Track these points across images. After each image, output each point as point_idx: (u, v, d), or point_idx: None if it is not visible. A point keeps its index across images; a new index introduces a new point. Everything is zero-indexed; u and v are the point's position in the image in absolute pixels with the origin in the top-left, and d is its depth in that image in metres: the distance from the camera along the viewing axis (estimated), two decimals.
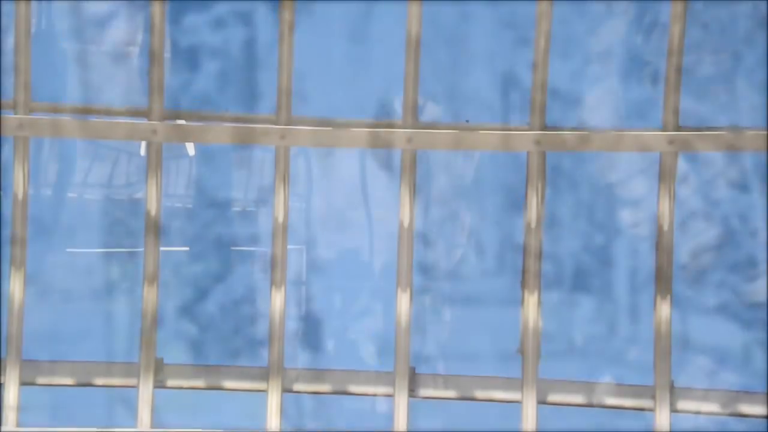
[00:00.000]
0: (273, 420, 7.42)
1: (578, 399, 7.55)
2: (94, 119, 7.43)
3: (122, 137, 7.46)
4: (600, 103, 7.71)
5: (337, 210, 7.97)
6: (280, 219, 7.46)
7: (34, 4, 7.38)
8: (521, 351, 7.47)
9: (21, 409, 7.40)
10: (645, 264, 7.58)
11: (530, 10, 7.32)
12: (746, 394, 7.50)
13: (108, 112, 7.47)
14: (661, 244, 7.43)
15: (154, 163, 7.42)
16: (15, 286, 7.40)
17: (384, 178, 7.81)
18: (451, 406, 7.60)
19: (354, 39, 7.69)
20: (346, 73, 7.70)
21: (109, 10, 7.82)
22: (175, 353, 7.60)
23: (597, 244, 7.76)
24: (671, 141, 7.33)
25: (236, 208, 7.98)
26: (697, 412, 7.51)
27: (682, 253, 7.62)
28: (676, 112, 7.33)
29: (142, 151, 7.67)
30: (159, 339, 7.47)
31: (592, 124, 7.55)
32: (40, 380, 7.50)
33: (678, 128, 7.35)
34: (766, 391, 7.41)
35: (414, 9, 7.26)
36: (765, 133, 7.26)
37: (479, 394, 7.59)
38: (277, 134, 7.41)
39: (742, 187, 7.60)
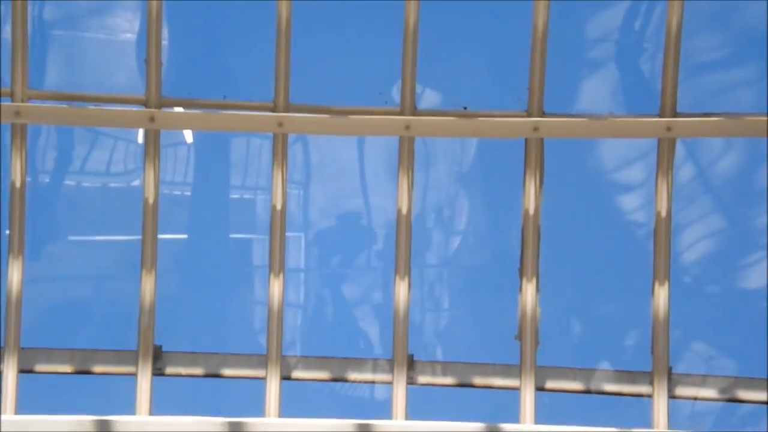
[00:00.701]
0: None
1: (577, 386, 7.57)
2: (92, 107, 7.41)
3: (120, 125, 7.45)
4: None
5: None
6: (278, 206, 7.44)
7: None
8: (519, 337, 7.48)
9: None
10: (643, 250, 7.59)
11: None
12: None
13: (106, 100, 7.45)
14: (659, 231, 7.41)
15: (152, 150, 7.41)
16: (13, 275, 7.39)
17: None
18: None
19: None
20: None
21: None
22: None
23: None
24: (669, 127, 7.32)
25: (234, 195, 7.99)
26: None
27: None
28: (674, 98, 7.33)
29: (140, 139, 7.66)
30: None
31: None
32: (39, 368, 7.52)
33: (676, 114, 7.34)
34: (766, 378, 7.43)
35: None
36: (765, 118, 7.24)
37: (477, 380, 7.60)
38: (275, 122, 7.39)
39: None
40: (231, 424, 7.26)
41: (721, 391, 7.50)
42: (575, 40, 7.76)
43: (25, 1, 7.25)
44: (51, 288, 7.81)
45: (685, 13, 7.21)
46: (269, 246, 7.45)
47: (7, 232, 7.38)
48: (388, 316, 7.54)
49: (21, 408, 7.40)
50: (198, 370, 7.56)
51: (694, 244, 7.82)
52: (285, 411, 7.44)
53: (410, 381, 7.52)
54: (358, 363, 7.61)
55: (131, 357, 7.48)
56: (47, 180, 7.83)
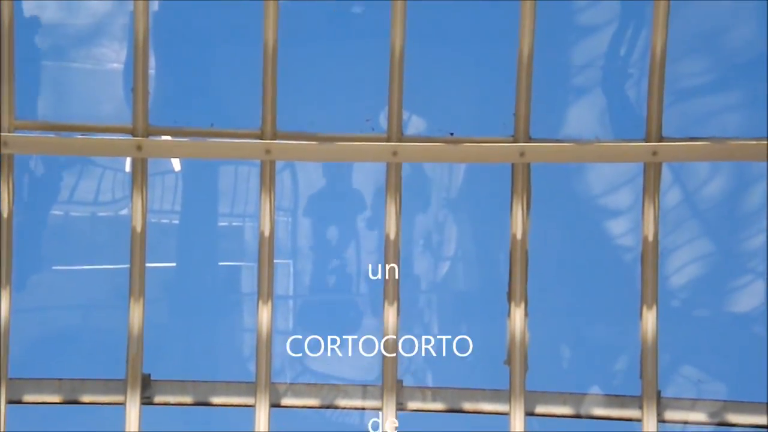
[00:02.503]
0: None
1: (566, 410, 7.56)
2: (79, 136, 7.41)
3: (107, 153, 7.45)
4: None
5: None
6: (266, 233, 7.45)
7: (17, 23, 7.36)
8: (508, 362, 7.47)
9: None
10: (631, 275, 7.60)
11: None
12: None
13: (93, 129, 7.46)
14: (646, 255, 7.42)
15: (140, 178, 7.41)
16: (0, 305, 7.38)
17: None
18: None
19: None
20: None
21: (92, 27, 7.84)
22: None
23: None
24: (655, 152, 7.34)
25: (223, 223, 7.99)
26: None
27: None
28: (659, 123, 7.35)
29: (127, 167, 7.67)
30: None
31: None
32: (27, 398, 7.51)
33: (661, 139, 7.36)
34: (766, 402, 7.43)
35: (397, 22, 7.26)
36: (759, 142, 7.25)
37: (467, 406, 7.59)
38: (263, 149, 7.40)
39: None
40: None
41: (711, 415, 7.49)
42: (561, 66, 7.79)
43: (11, 32, 7.28)
44: (39, 318, 7.81)
45: (670, 39, 7.24)
46: (257, 273, 7.45)
47: None
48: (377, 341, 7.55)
49: None
50: (187, 399, 7.55)
51: (683, 267, 7.83)
52: None
53: (400, 407, 7.52)
54: (347, 390, 7.60)
55: (120, 386, 7.47)
56: (34, 210, 7.84)
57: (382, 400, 7.47)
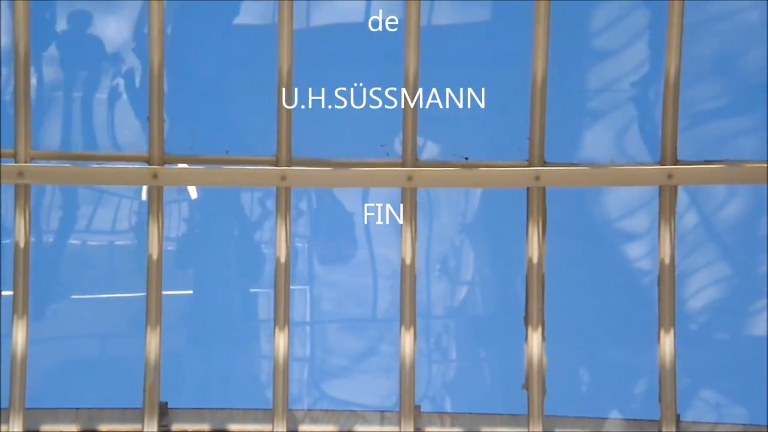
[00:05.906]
0: None
1: None
2: (95, 165, 7.44)
3: (123, 182, 7.48)
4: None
5: None
6: (282, 259, 7.46)
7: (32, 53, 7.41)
8: (526, 386, 7.46)
9: None
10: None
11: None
12: None
13: (109, 158, 7.49)
14: (663, 278, 7.40)
15: (155, 206, 7.43)
16: (17, 335, 7.40)
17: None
18: None
19: None
20: None
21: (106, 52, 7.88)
22: None
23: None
24: (670, 175, 7.33)
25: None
26: None
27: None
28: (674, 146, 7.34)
29: (144, 196, 7.69)
30: None
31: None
32: (44, 428, 7.52)
33: (676, 162, 7.35)
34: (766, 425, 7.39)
35: (411, 47, 7.28)
36: (765, 165, 7.25)
37: (485, 430, 7.58)
38: (278, 175, 7.42)
39: None
40: None
41: None
42: (575, 89, 7.79)
43: (27, 62, 7.32)
44: (56, 347, 7.82)
45: (684, 62, 7.24)
46: (274, 299, 7.46)
47: (12, 292, 7.40)
48: (394, 367, 7.53)
49: None
50: (204, 426, 7.56)
51: (701, 291, 7.80)
52: None
53: None
54: (365, 416, 7.59)
55: (137, 415, 7.47)
56: (51, 239, 7.86)
57: (400, 426, 7.46)
